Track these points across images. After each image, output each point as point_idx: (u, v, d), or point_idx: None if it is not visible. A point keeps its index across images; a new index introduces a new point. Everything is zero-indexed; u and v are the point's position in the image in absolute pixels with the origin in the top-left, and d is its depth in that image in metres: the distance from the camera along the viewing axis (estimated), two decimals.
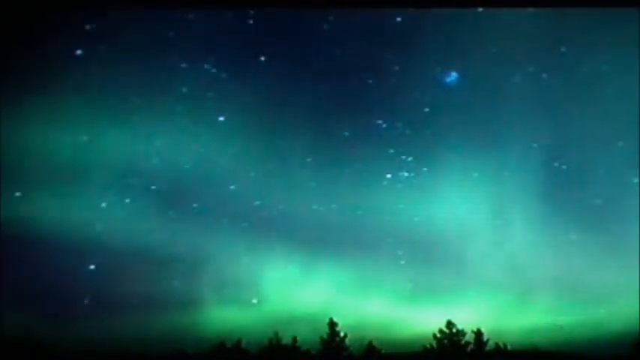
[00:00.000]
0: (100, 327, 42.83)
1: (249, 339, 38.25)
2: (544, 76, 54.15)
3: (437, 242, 54.71)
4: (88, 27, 46.61)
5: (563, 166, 54.84)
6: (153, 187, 51.82)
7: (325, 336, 37.54)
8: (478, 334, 38.60)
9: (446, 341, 37.98)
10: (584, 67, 53.10)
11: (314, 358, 37.27)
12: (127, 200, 50.80)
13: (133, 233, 50.16)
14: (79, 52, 47.18)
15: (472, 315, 45.01)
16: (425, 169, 55.70)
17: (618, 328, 39.89)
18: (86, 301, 45.28)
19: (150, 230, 51.21)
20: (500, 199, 55.78)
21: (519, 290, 51.12)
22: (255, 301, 48.40)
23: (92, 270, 46.60)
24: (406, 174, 54.74)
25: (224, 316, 47.47)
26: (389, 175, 54.63)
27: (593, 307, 47.66)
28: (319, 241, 54.11)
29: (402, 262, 52.90)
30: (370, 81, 55.58)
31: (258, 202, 54.22)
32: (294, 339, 37.65)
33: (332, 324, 37.74)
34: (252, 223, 54.00)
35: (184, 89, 52.18)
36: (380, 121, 55.70)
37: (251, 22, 50.14)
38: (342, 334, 37.66)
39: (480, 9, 48.17)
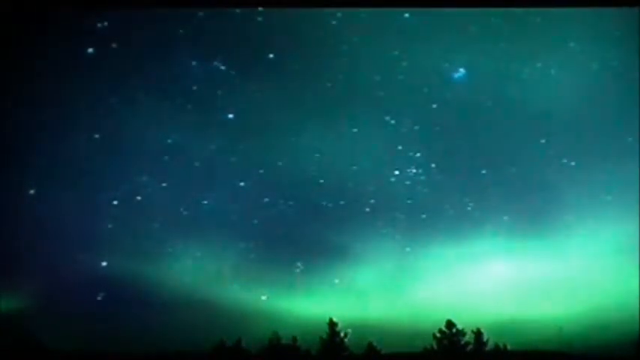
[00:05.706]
0: (110, 324, 43.83)
1: (249, 339, 39.05)
2: (552, 72, 53.87)
3: (445, 239, 54.97)
4: (99, 25, 47.73)
5: (572, 163, 54.55)
6: (163, 185, 52.89)
7: (325, 336, 38.13)
8: (478, 334, 38.90)
9: (446, 341, 38.35)
10: (592, 62, 52.61)
11: (314, 358, 37.83)
12: (138, 198, 51.88)
13: (143, 230, 51.46)
14: (90, 50, 48.33)
15: (475, 314, 45.18)
16: (433, 165, 55.82)
17: (618, 328, 39.69)
18: (99, 298, 46.50)
19: (160, 227, 52.35)
20: (508, 195, 55.78)
21: (521, 290, 51.10)
22: (264, 297, 49.20)
23: (104, 267, 47.82)
24: (414, 170, 54.90)
25: (229, 315, 48.34)
26: (397, 172, 54.80)
27: (594, 306, 47.34)
28: (327, 237, 54.63)
29: (410, 260, 53.27)
30: (378, 77, 55.59)
31: (267, 199, 55.07)
32: (294, 339, 38.26)
33: (332, 324, 38.25)
34: (261, 219, 54.75)
35: (194, 87, 53.24)
36: (388, 118, 55.77)
37: (260, 19, 50.58)
38: (342, 334, 38.22)
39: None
